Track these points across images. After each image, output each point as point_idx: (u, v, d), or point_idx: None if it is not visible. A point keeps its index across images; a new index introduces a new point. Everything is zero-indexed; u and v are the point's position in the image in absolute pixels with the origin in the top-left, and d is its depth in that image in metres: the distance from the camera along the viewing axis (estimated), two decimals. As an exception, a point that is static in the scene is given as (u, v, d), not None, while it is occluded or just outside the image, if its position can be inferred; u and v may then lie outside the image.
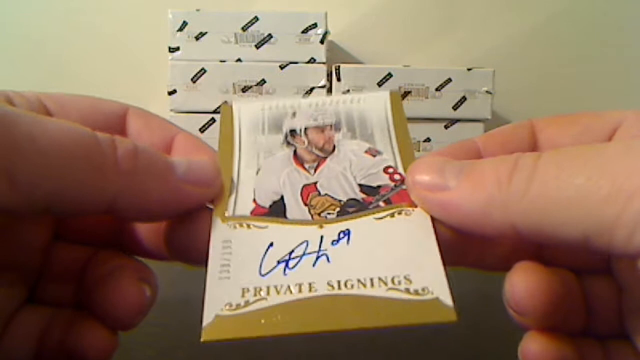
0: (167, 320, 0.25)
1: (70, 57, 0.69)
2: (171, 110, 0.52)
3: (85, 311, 0.18)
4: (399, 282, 0.16)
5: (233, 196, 0.19)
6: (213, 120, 0.51)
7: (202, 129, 0.51)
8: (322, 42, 0.51)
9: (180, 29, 0.52)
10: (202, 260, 0.17)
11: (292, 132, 0.22)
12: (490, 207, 0.15)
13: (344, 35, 0.67)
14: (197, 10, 0.52)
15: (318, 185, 0.20)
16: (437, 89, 0.51)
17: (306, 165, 0.20)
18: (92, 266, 0.19)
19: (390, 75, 0.51)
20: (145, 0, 0.68)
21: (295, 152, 0.21)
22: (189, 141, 0.20)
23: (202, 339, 0.16)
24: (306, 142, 0.21)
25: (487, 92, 0.51)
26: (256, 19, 0.51)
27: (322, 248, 0.17)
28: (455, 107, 0.51)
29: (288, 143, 0.21)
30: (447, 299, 0.16)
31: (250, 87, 0.51)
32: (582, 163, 0.14)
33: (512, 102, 0.68)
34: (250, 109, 0.23)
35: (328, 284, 0.16)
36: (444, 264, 0.16)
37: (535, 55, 0.69)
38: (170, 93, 0.52)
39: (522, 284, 0.16)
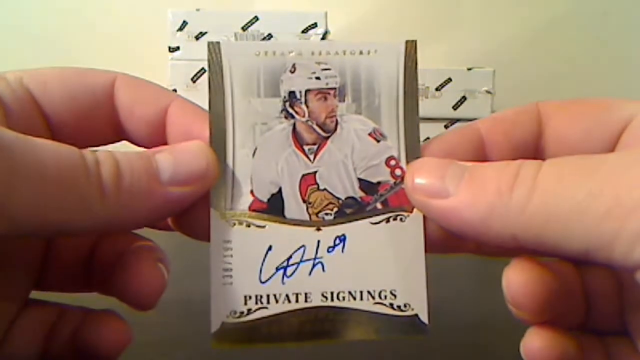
0: (167, 320, 0.25)
1: (71, 56, 0.69)
2: (171, 110, 0.52)
3: (97, 305, 0.18)
4: (385, 297, 0.18)
5: (230, 185, 0.19)
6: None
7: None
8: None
9: (180, 29, 0.52)
10: (206, 238, 0.18)
11: (292, 95, 0.20)
12: (491, 218, 0.15)
13: (344, 35, 0.67)
14: (197, 10, 0.52)
15: (317, 176, 0.19)
16: (437, 89, 0.51)
17: (306, 148, 0.19)
18: (104, 249, 0.19)
19: (390, 75, 0.51)
20: (145, 0, 0.68)
21: (294, 127, 0.20)
22: (185, 110, 0.19)
23: (211, 346, 0.17)
24: (306, 114, 0.20)
25: (487, 92, 0.51)
26: (256, 18, 0.51)
27: (318, 255, 0.18)
28: (455, 107, 0.51)
29: (287, 113, 0.20)
30: (424, 317, 0.18)
31: (250, 86, 0.51)
32: (582, 176, 0.14)
33: (512, 102, 0.68)
34: (243, 55, 0.20)
35: (322, 295, 0.18)
36: (427, 280, 0.18)
37: (535, 55, 0.69)
38: (170, 93, 0.52)
39: (518, 279, 0.16)
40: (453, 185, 0.16)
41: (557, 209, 0.14)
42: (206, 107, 0.19)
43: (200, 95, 0.52)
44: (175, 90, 0.51)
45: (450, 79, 0.51)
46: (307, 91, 0.20)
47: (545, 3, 0.68)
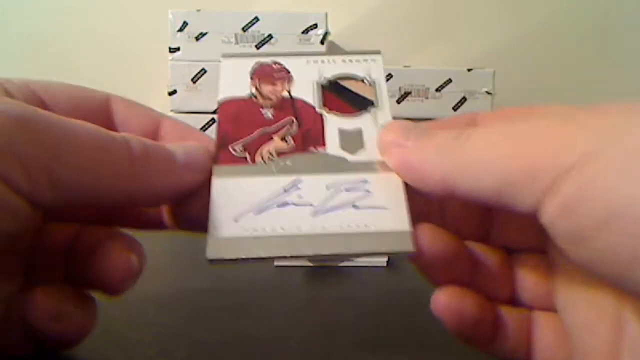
0: (167, 320, 0.25)
1: (71, 57, 0.69)
2: (171, 110, 0.52)
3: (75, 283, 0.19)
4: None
5: None
6: (213, 120, 0.51)
7: (203, 129, 0.51)
8: (322, 42, 0.51)
9: (181, 29, 0.52)
10: (204, 226, 0.18)
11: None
12: (428, 160, 0.17)
13: (344, 36, 0.67)
14: (198, 10, 0.52)
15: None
16: (437, 90, 0.51)
17: None
18: (82, 239, 0.20)
19: (390, 75, 0.51)
20: (145, 0, 0.68)
21: None
22: (177, 126, 0.21)
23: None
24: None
25: (487, 92, 0.51)
26: (256, 19, 0.51)
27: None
28: (455, 108, 0.51)
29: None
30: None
31: (251, 87, 0.51)
32: (503, 138, 0.16)
33: (512, 102, 0.68)
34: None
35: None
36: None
37: (535, 55, 0.69)
38: (170, 93, 0.52)
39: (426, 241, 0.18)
40: (412, 139, 0.18)
41: (478, 158, 0.16)
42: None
43: (200, 95, 0.53)
44: (175, 91, 0.51)
45: (450, 80, 0.51)
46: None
47: (546, 3, 0.68)
